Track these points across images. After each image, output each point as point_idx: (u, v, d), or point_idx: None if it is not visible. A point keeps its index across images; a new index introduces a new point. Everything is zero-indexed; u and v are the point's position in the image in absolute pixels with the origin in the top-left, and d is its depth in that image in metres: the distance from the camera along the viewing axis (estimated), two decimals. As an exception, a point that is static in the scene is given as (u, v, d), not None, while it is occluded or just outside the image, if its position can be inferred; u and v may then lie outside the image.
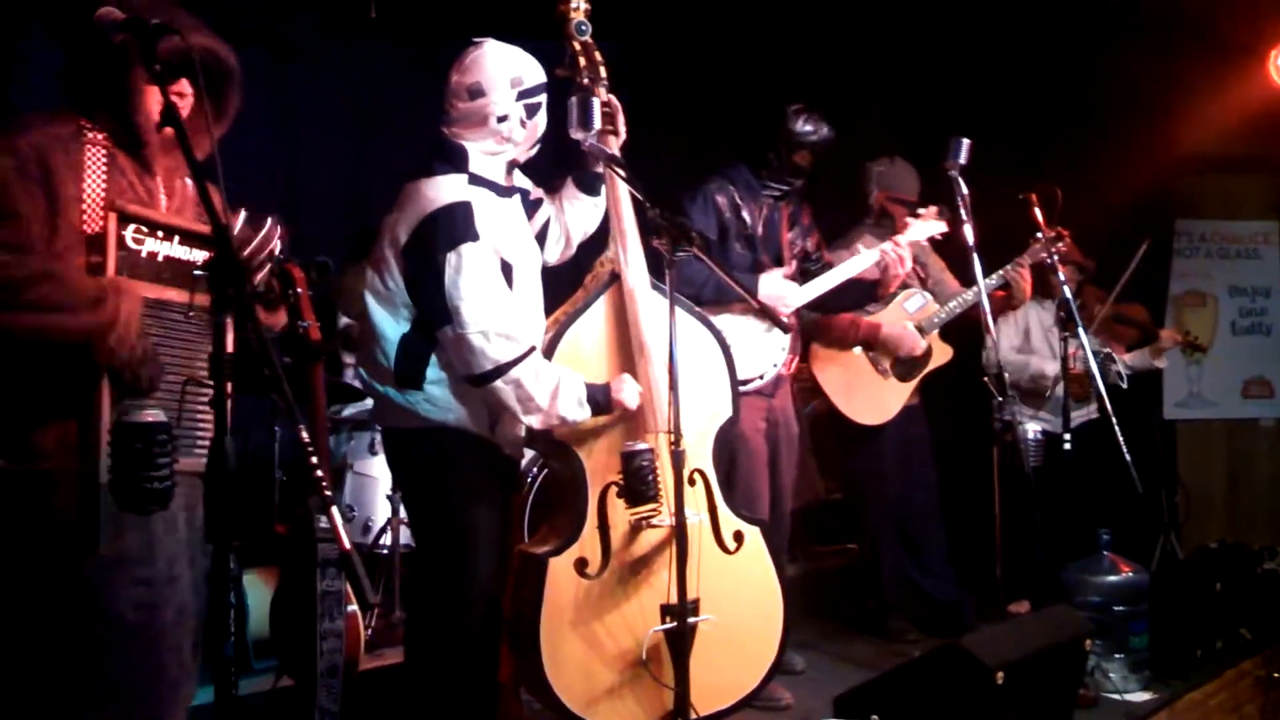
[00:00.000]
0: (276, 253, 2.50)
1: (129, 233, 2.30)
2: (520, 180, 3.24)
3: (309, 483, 1.96)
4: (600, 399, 3.07)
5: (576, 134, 3.11)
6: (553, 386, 2.97)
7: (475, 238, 2.91)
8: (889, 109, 6.07)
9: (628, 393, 3.11)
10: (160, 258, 2.36)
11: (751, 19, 5.67)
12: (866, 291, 4.38)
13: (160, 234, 2.36)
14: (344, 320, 4.72)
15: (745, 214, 4.16)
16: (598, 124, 3.14)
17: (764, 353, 4.04)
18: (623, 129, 3.34)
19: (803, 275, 4.22)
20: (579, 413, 3.03)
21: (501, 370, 2.90)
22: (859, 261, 4.22)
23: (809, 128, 4.12)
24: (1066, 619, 3.56)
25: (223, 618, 2.03)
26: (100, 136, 2.33)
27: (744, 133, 4.30)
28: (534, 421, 3.00)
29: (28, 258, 2.19)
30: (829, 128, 4.15)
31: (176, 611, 2.37)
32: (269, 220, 2.44)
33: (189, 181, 2.49)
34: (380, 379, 3.01)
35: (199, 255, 2.40)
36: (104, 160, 2.32)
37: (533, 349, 2.98)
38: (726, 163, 4.25)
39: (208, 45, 2.43)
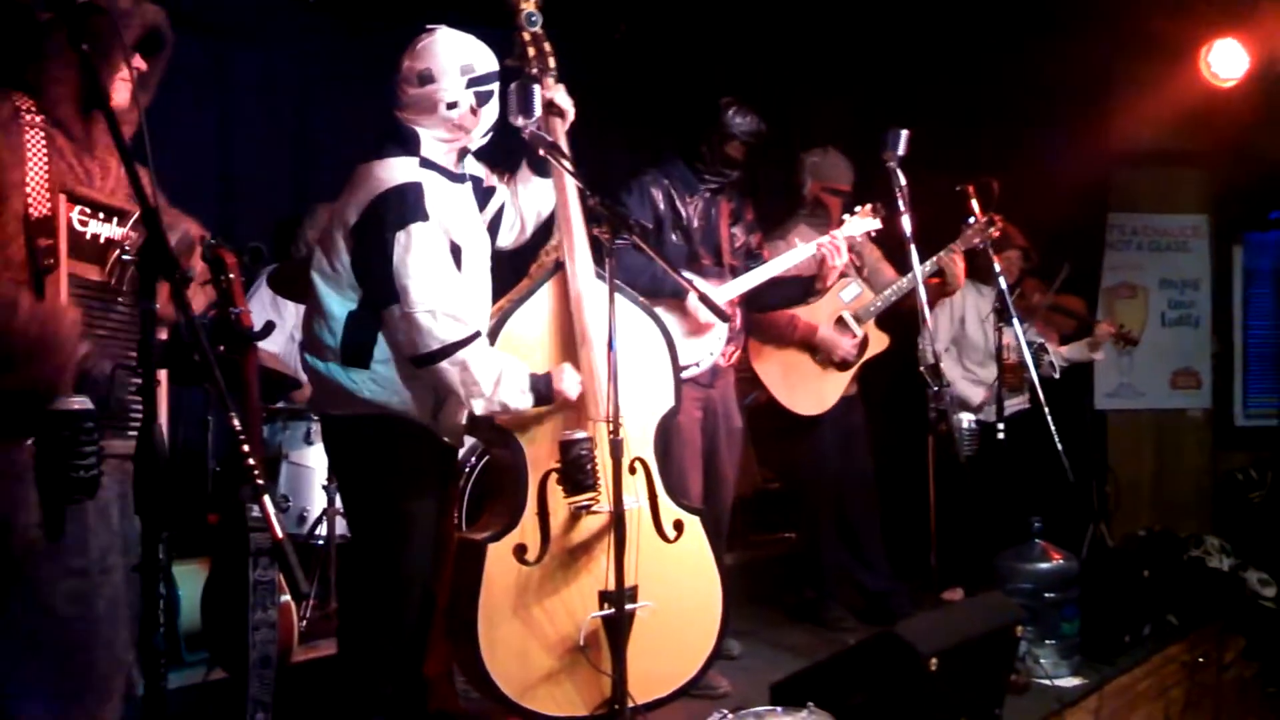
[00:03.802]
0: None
1: (75, 215, 2.26)
2: (473, 167, 3.23)
3: (241, 471, 1.93)
4: (542, 388, 3.06)
5: (517, 121, 3.10)
6: (497, 373, 2.96)
7: (425, 218, 2.90)
8: (829, 101, 6.10)
9: (568, 382, 3.11)
10: (102, 239, 2.33)
11: (694, 12, 5.66)
12: (805, 285, 4.41)
13: (101, 215, 2.32)
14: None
15: (681, 206, 4.18)
16: (538, 111, 3.14)
17: (700, 343, 4.05)
18: (570, 107, 3.33)
19: (744, 270, 4.24)
20: (521, 401, 3.02)
21: (447, 351, 2.89)
22: (793, 255, 4.25)
23: (739, 119, 4.15)
24: (999, 606, 3.61)
25: (152, 609, 2.00)
26: (39, 118, 2.28)
27: (679, 126, 4.32)
28: (477, 406, 2.99)
29: None
30: (759, 120, 4.18)
31: (109, 603, 2.33)
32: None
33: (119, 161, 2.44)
34: (324, 357, 2.98)
35: (134, 237, 2.36)
36: (44, 141, 2.27)
37: (478, 333, 2.97)
38: (664, 157, 4.27)
39: (150, 19, 2.38)
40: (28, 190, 2.21)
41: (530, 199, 3.36)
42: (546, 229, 3.40)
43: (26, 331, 2.13)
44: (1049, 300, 5.51)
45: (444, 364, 2.90)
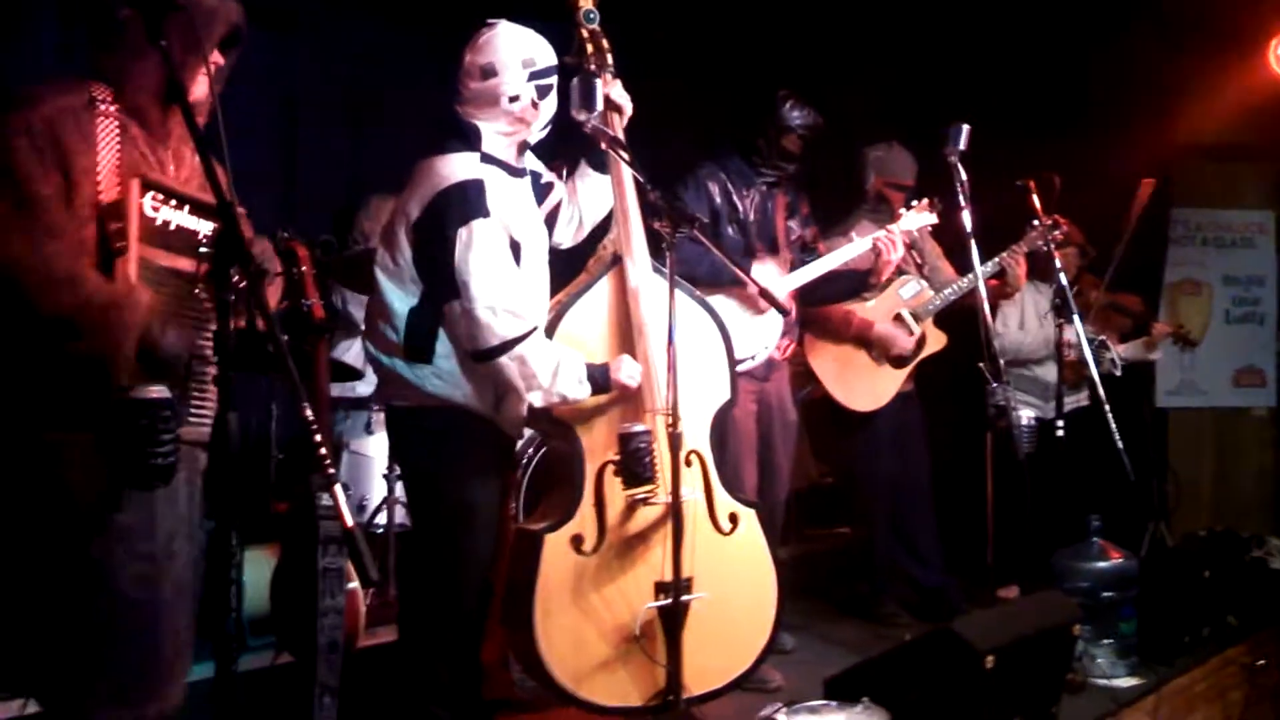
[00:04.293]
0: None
1: (147, 200, 2.30)
2: (532, 163, 3.26)
3: (311, 460, 1.97)
4: (599, 378, 3.09)
5: (579, 115, 3.11)
6: (554, 365, 2.99)
7: (486, 214, 2.93)
8: (888, 95, 6.07)
9: (626, 372, 3.14)
10: (172, 226, 2.36)
11: (753, 3, 5.66)
12: (860, 279, 4.40)
13: (174, 202, 2.35)
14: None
15: (737, 200, 4.19)
16: (600, 105, 3.15)
17: (755, 335, 4.06)
18: (628, 103, 3.34)
19: (799, 263, 4.24)
20: (579, 391, 3.05)
21: (507, 346, 2.93)
22: (850, 249, 4.25)
23: (796, 113, 4.15)
24: (1056, 604, 3.59)
25: (224, 595, 2.05)
26: (113, 108, 2.33)
27: (736, 120, 4.32)
28: (536, 398, 3.03)
29: (52, 254, 2.19)
30: (817, 113, 4.18)
31: (174, 587, 2.38)
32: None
33: (193, 152, 2.49)
34: (388, 352, 3.03)
35: (206, 226, 2.40)
36: (117, 129, 2.32)
37: (536, 328, 3.01)
38: (720, 150, 4.27)
39: (233, 17, 2.43)
40: (99, 175, 2.26)
41: (590, 196, 3.37)
42: (605, 224, 3.42)
43: (92, 303, 2.19)
44: (1105, 298, 5.44)
45: (503, 359, 2.94)
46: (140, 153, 2.36)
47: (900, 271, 4.74)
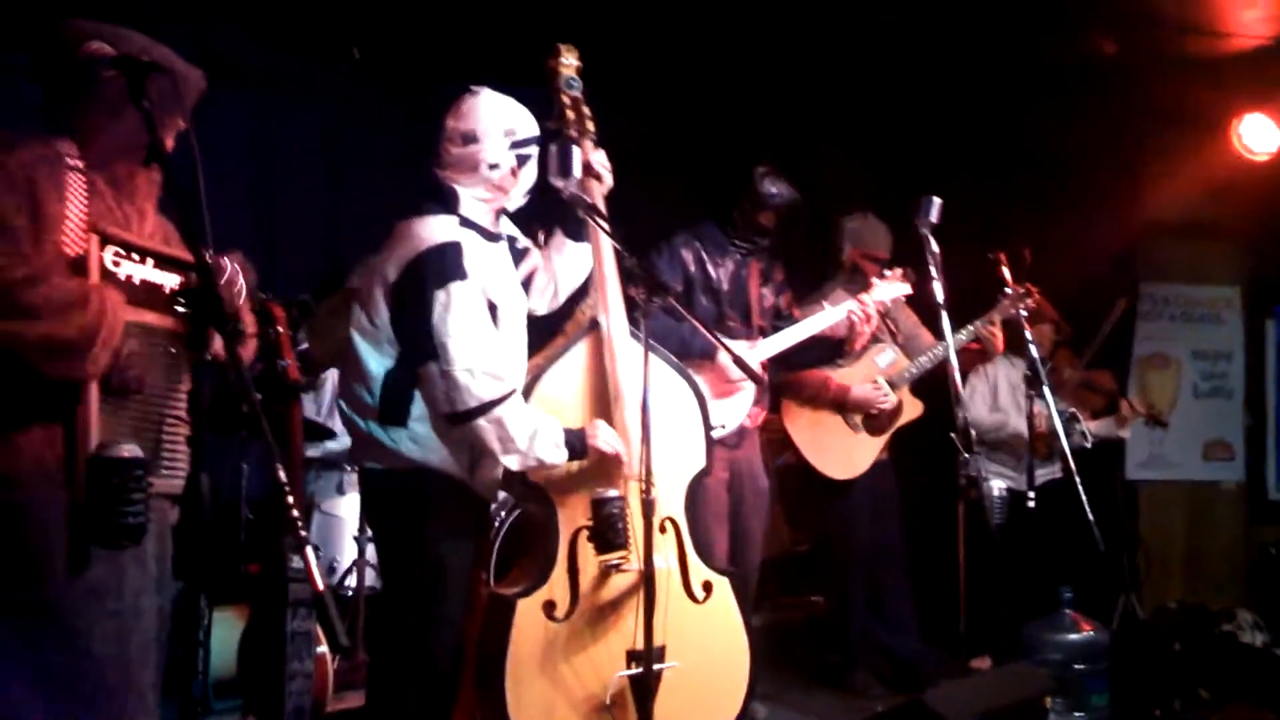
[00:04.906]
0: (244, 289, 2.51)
1: (109, 255, 2.30)
2: (507, 228, 3.28)
3: (283, 522, 1.96)
4: (576, 444, 3.09)
5: (556, 181, 3.15)
6: (532, 429, 2.99)
7: (464, 276, 2.94)
8: (861, 167, 6.16)
9: (603, 438, 3.14)
10: (137, 281, 2.36)
11: (727, 77, 5.75)
12: (833, 348, 4.43)
13: (137, 257, 2.36)
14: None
15: (711, 269, 4.23)
16: (578, 172, 3.20)
17: (728, 404, 4.07)
18: (609, 174, 3.38)
19: (773, 331, 4.27)
20: (556, 455, 3.04)
21: (485, 409, 2.92)
22: (824, 317, 4.28)
23: (774, 189, 4.21)
24: (1027, 675, 3.59)
25: (191, 657, 2.02)
26: (80, 164, 2.34)
27: (712, 191, 4.37)
28: (512, 462, 3.01)
29: (18, 261, 2.18)
30: (793, 188, 4.24)
31: (141, 644, 2.35)
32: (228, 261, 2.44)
33: (155, 212, 2.51)
34: (363, 415, 3.02)
35: (172, 279, 2.40)
36: (84, 184, 2.33)
37: (514, 390, 3.00)
38: (696, 218, 4.32)
39: (200, 85, 2.46)
40: (66, 227, 2.27)
41: (565, 265, 3.38)
42: (582, 288, 3.43)
43: (55, 298, 2.17)
44: (1079, 376, 5.51)
45: (480, 421, 2.93)
46: (106, 206, 2.37)
47: (876, 339, 4.78)
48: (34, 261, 2.20)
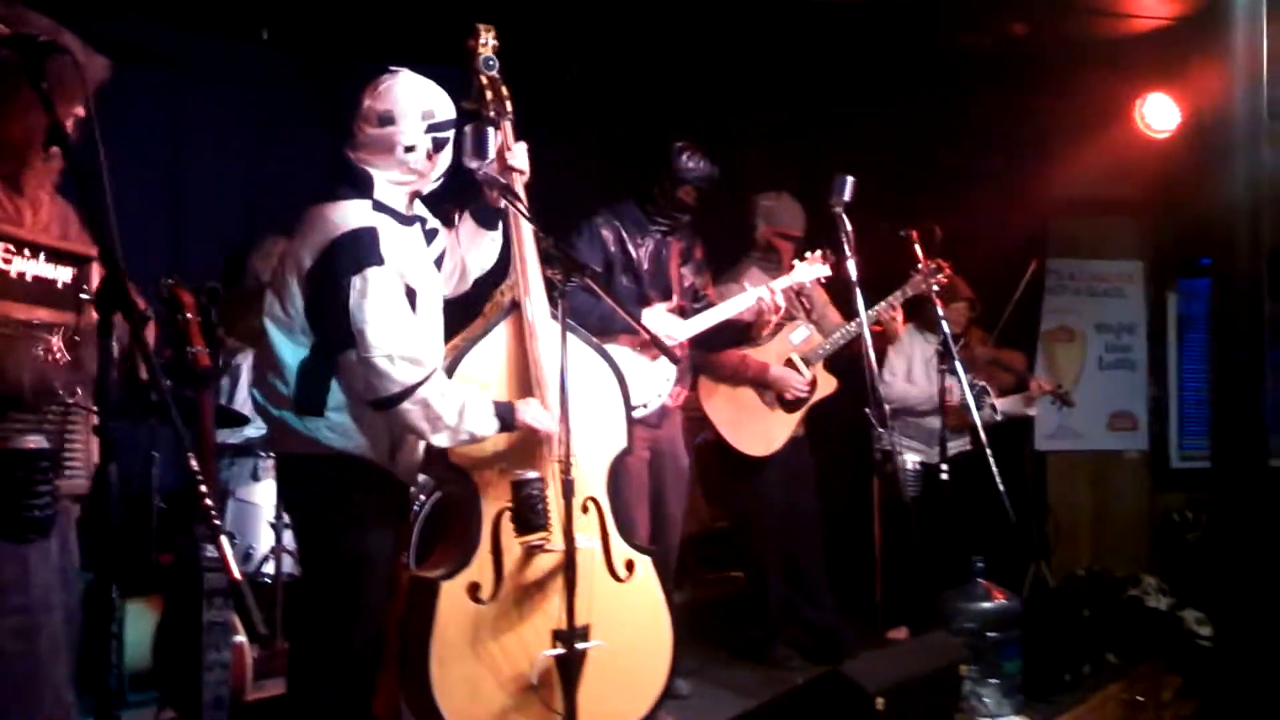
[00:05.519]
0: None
1: None
2: (419, 209, 3.25)
3: (196, 511, 1.93)
4: (506, 415, 3.07)
5: (471, 163, 3.12)
6: (460, 403, 2.96)
7: (380, 262, 2.90)
8: (776, 146, 6.21)
9: (532, 414, 3.12)
10: (29, 277, 2.31)
11: (645, 56, 5.76)
12: (741, 331, 4.46)
13: (27, 252, 2.31)
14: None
15: (631, 248, 4.24)
16: (492, 154, 3.17)
17: (648, 384, 4.10)
18: (526, 166, 3.36)
19: (692, 311, 4.30)
20: (489, 427, 3.03)
21: (408, 393, 2.88)
22: (740, 300, 4.32)
23: (692, 164, 4.23)
24: (943, 645, 3.68)
25: (105, 650, 1.99)
26: None
27: (631, 168, 4.38)
28: (443, 439, 2.98)
29: None
30: (711, 164, 4.26)
31: (51, 640, 2.31)
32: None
33: (52, 196, 2.45)
34: (278, 404, 2.97)
35: (65, 273, 2.36)
36: None
37: (435, 369, 2.97)
38: (616, 198, 4.32)
39: (102, 73, 2.39)
40: None
41: (474, 252, 3.35)
42: (502, 269, 3.42)
43: None
44: (990, 354, 5.63)
45: (405, 404, 2.89)
46: None
47: (790, 317, 4.84)
48: None
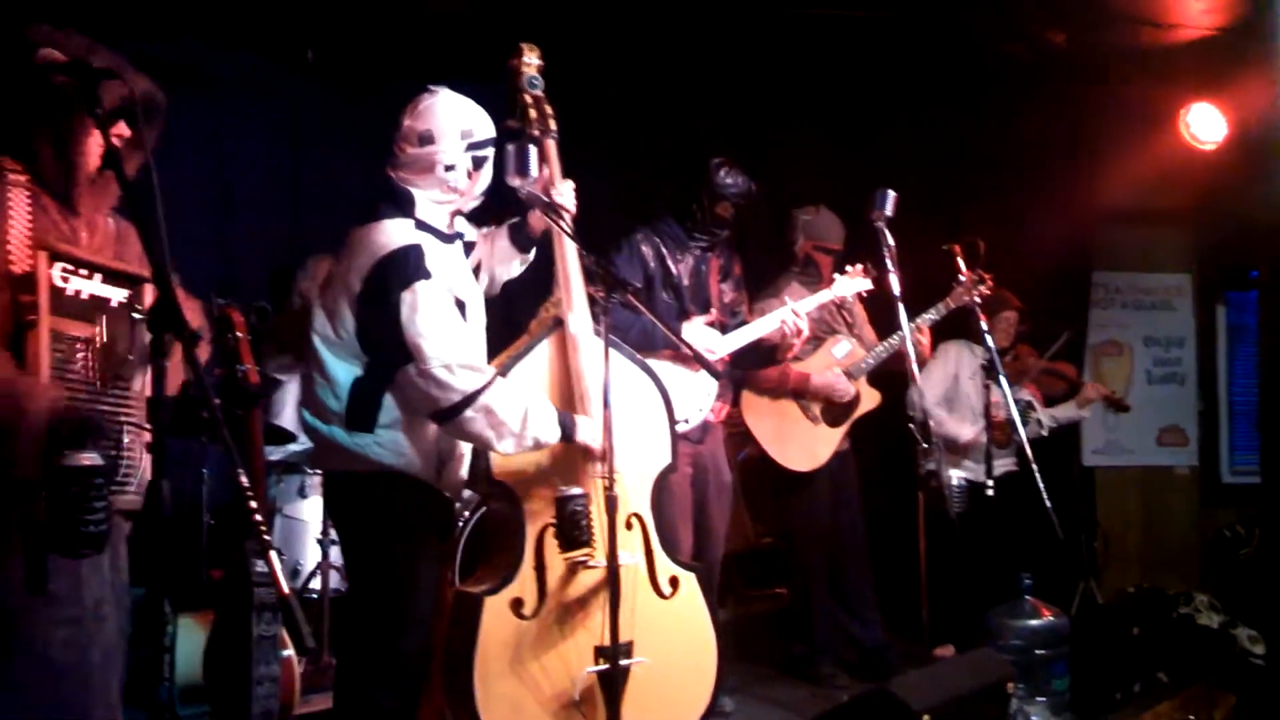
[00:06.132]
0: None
1: (56, 271, 2.30)
2: (461, 226, 3.28)
3: (246, 526, 1.95)
4: (568, 425, 3.09)
5: (513, 181, 3.15)
6: (523, 409, 2.98)
7: (428, 275, 2.93)
8: (817, 160, 6.20)
9: (590, 432, 3.13)
10: (84, 296, 2.36)
11: (685, 73, 5.78)
12: (767, 353, 4.43)
13: (84, 271, 2.36)
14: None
15: (671, 264, 4.25)
16: (534, 172, 3.19)
17: (689, 399, 4.10)
18: (573, 204, 3.35)
19: (723, 328, 4.30)
20: (552, 433, 3.04)
21: (470, 400, 2.90)
22: (770, 320, 4.29)
23: (730, 180, 4.23)
24: (990, 662, 3.64)
25: (157, 662, 2.02)
26: (23, 178, 2.33)
27: (670, 184, 4.39)
28: (508, 446, 2.99)
29: None
30: (749, 179, 4.26)
31: (103, 652, 2.34)
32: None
33: (110, 219, 2.50)
34: (327, 420, 3.00)
35: (119, 293, 2.41)
36: (27, 200, 2.31)
37: (496, 376, 2.99)
38: (655, 215, 4.34)
39: (147, 89, 2.44)
40: (9, 248, 2.25)
41: (500, 262, 3.39)
42: (547, 286, 3.44)
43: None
44: (1043, 365, 5.57)
45: (469, 412, 2.91)
46: (51, 221, 2.35)
47: (832, 331, 4.83)
48: None
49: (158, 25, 4.53)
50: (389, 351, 2.92)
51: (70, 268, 2.32)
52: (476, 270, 3.35)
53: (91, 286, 2.37)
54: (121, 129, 2.40)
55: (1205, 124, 5.78)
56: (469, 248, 3.32)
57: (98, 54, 2.33)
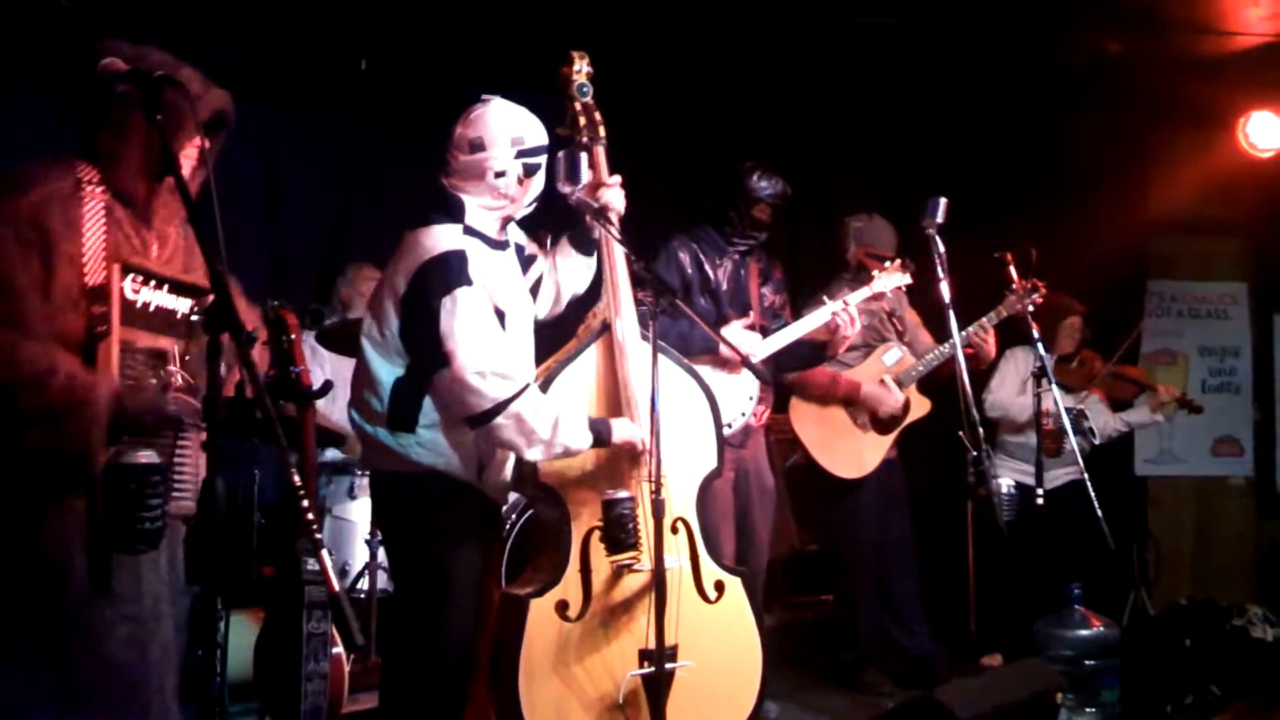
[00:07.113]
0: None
1: (128, 283, 2.36)
2: (515, 235, 3.31)
3: (298, 525, 1.99)
4: (602, 429, 3.11)
5: (564, 188, 3.17)
6: (554, 417, 3.01)
7: (469, 283, 2.97)
8: (868, 168, 6.18)
9: (628, 432, 3.16)
10: (153, 307, 2.42)
11: (734, 80, 5.78)
12: (816, 350, 4.41)
13: (154, 284, 2.42)
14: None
15: (709, 269, 4.26)
16: (585, 178, 3.21)
17: (731, 403, 4.09)
18: (622, 204, 3.37)
19: (764, 331, 4.29)
20: (583, 440, 3.07)
21: (501, 407, 2.94)
22: (817, 316, 4.26)
23: (764, 183, 4.24)
24: (1038, 672, 3.61)
25: (210, 658, 2.06)
26: (99, 190, 2.38)
27: (707, 190, 4.41)
28: (538, 453, 3.03)
29: (23, 360, 2.23)
30: (784, 182, 4.27)
31: (161, 649, 2.39)
32: None
33: (179, 231, 2.55)
34: (372, 421, 3.05)
35: (184, 304, 2.47)
36: (102, 212, 2.37)
37: (529, 384, 3.02)
38: (693, 220, 4.35)
39: (218, 103, 2.50)
40: (84, 259, 2.31)
41: (569, 275, 3.41)
42: (595, 293, 3.46)
43: (62, 395, 2.23)
44: (1110, 369, 5.51)
45: (500, 419, 2.95)
46: (124, 234, 2.41)
47: (882, 339, 4.81)
48: (39, 324, 2.25)
49: (212, 40, 4.61)
50: (428, 354, 2.96)
51: (141, 279, 2.39)
52: (538, 285, 3.37)
53: (159, 298, 2.43)
54: (201, 141, 2.46)
55: (1264, 132, 5.71)
56: (528, 261, 3.34)
57: (170, 67, 2.38)
